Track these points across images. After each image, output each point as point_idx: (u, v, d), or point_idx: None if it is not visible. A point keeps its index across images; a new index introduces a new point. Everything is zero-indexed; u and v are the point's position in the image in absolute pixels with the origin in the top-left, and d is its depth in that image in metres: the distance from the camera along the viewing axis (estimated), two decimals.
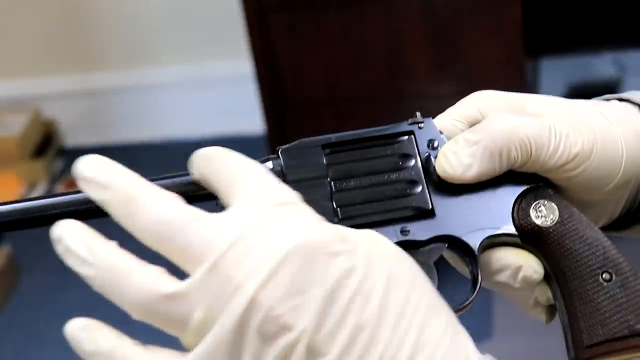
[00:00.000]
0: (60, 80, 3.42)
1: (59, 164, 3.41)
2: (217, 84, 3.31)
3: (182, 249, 0.56)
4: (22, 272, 2.88)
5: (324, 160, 0.68)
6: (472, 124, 0.70)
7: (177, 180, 0.65)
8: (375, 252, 0.58)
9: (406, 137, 0.70)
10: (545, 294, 0.69)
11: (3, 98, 3.41)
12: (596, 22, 2.98)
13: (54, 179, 3.33)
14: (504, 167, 0.67)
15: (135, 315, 0.57)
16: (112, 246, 0.58)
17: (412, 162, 0.69)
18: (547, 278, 0.69)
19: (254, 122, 3.03)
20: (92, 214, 0.62)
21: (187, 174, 0.64)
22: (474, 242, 0.68)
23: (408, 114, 2.26)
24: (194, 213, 0.57)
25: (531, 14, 2.58)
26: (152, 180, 0.62)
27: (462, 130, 0.70)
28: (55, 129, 3.47)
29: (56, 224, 0.58)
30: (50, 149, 3.41)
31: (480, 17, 2.32)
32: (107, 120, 3.46)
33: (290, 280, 0.55)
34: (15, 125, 3.31)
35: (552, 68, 3.11)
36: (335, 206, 0.67)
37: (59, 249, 0.58)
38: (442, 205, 0.68)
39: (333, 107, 2.44)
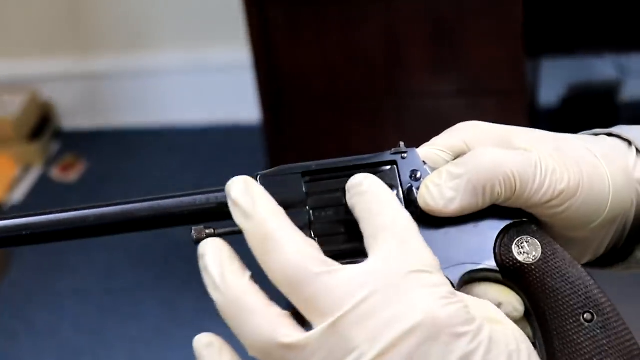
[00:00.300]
0: (58, 62, 3.41)
1: (54, 147, 3.40)
2: (215, 71, 3.30)
3: (308, 299, 0.57)
4: (14, 256, 2.88)
5: (304, 189, 0.67)
6: (457, 155, 0.69)
7: (211, 196, 0.66)
8: (497, 334, 0.58)
9: (388, 167, 0.69)
10: (524, 331, 0.68)
11: (0, 78, 3.40)
12: (597, 24, 2.96)
13: (49, 162, 3.32)
14: (487, 202, 0.66)
15: (251, 352, 0.58)
16: (245, 277, 0.59)
17: (394, 193, 0.68)
18: (527, 314, 0.68)
19: (250, 110, 3.02)
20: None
21: (221, 191, 0.65)
22: (454, 277, 0.67)
23: (406, 112, 2.25)
24: (326, 265, 0.58)
25: (532, 15, 2.56)
26: (182, 195, 0.65)
27: (447, 162, 0.69)
28: (52, 111, 3.46)
29: (204, 241, 0.60)
30: (47, 131, 3.40)
31: (481, 16, 2.31)
32: (104, 103, 3.45)
33: (408, 354, 0.55)
34: (12, 107, 3.29)
35: (552, 69, 3.10)
36: (313, 236, 0.66)
37: (200, 264, 0.60)
38: (423, 238, 0.67)
39: (330, 102, 2.43)
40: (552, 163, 0.66)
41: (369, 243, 0.59)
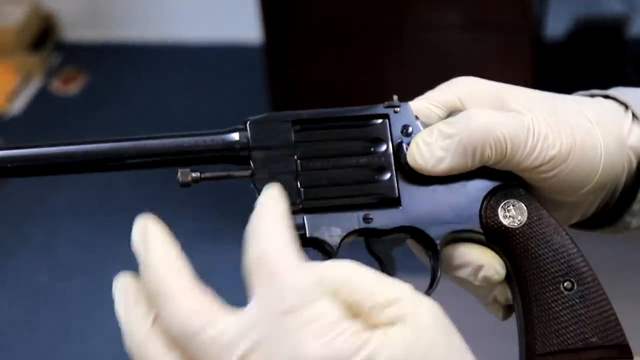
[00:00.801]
0: None
1: (56, 58, 3.38)
2: None
3: (194, 357, 0.54)
4: None
5: (293, 137, 0.66)
6: (451, 111, 0.68)
7: (217, 138, 0.66)
8: (395, 351, 0.52)
9: (380, 121, 0.68)
10: (504, 294, 0.68)
11: None
12: None
13: (50, 74, 3.31)
14: (477, 164, 0.66)
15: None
16: (146, 324, 0.56)
17: (384, 148, 0.67)
18: (508, 278, 0.68)
19: (253, 30, 2.99)
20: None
21: (221, 133, 0.65)
22: (438, 236, 0.67)
23: (409, 46, 2.21)
24: (209, 321, 0.54)
25: None
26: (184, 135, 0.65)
27: (440, 117, 0.68)
28: (54, 22, 3.43)
29: (115, 281, 0.59)
30: (49, 42, 3.38)
31: None
32: (108, 16, 3.42)
33: None
34: (14, 16, 3.27)
35: (559, 2, 3.06)
36: (299, 186, 0.66)
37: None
38: (409, 194, 0.67)
39: (332, 27, 2.41)
40: (544, 128, 0.66)
41: (249, 282, 0.56)
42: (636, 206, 0.71)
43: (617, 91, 0.71)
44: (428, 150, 0.65)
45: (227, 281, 2.48)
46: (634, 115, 0.70)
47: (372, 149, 0.67)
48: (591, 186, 0.68)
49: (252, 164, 0.66)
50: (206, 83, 3.14)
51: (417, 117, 0.68)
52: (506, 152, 0.65)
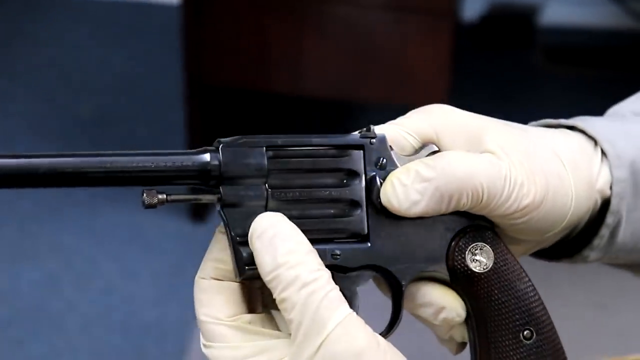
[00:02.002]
0: None
1: None
2: None
3: None
4: None
5: (266, 164, 0.64)
6: (425, 141, 0.67)
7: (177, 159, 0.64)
8: None
9: (354, 152, 0.66)
10: (461, 334, 0.68)
11: None
12: None
13: None
14: (451, 210, 0.65)
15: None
16: None
17: (357, 181, 0.65)
18: (467, 319, 0.67)
19: None
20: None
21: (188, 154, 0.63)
22: (404, 277, 0.65)
23: (329, 18, 2.16)
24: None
25: None
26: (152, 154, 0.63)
27: (414, 148, 0.67)
28: None
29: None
30: None
31: None
32: None
33: None
34: None
35: None
36: None
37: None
38: (378, 231, 0.65)
39: None
40: (520, 175, 0.65)
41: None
42: (596, 241, 0.71)
43: (583, 122, 0.71)
44: (403, 192, 0.64)
45: (131, 242, 2.46)
46: (602, 151, 0.70)
47: (345, 182, 0.66)
48: (556, 231, 0.68)
49: (221, 189, 0.64)
50: (116, 38, 3.07)
51: (391, 147, 0.66)
52: (482, 200, 0.64)
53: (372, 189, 0.65)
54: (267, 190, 0.64)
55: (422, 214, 0.64)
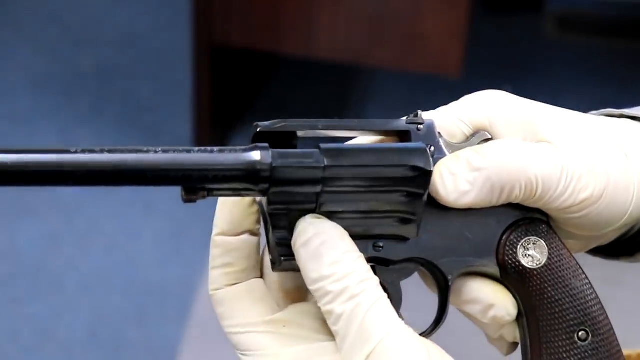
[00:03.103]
0: None
1: None
2: None
3: None
4: None
5: (321, 173, 0.59)
6: (477, 129, 0.63)
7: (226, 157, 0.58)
8: None
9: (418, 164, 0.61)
10: (513, 333, 0.65)
11: None
12: None
13: None
14: (502, 202, 0.61)
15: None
16: None
17: (419, 199, 0.61)
18: (519, 317, 0.64)
19: None
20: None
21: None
22: (450, 271, 0.62)
23: None
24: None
25: None
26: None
27: (465, 136, 0.63)
28: None
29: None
30: None
31: None
32: None
33: None
34: None
35: None
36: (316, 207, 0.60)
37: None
38: (424, 222, 0.61)
39: None
40: (579, 167, 0.61)
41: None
42: None
43: None
44: (452, 181, 0.60)
45: (133, 201, 2.43)
46: None
47: (405, 198, 0.61)
48: (615, 227, 0.64)
49: (270, 189, 0.59)
50: None
51: (440, 134, 0.63)
52: (536, 193, 0.61)
53: None
54: (318, 194, 0.59)
55: (471, 205, 0.61)
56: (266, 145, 0.59)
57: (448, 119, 0.63)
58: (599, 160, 0.62)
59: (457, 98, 0.65)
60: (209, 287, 0.62)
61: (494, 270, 0.63)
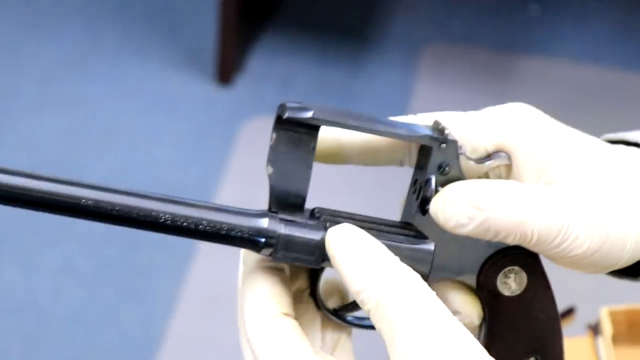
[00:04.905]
0: None
1: None
2: None
3: None
4: None
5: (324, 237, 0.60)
6: (500, 149, 0.63)
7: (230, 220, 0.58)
8: None
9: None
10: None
11: None
12: None
13: None
14: (494, 241, 0.62)
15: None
16: None
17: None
18: (481, 325, 0.65)
19: None
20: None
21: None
22: (432, 280, 0.63)
23: None
24: None
25: None
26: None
27: (487, 152, 0.63)
28: None
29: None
30: None
31: None
32: None
33: None
34: None
35: None
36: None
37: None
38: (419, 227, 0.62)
39: None
40: (579, 227, 0.61)
41: (389, 344, 0.55)
42: None
43: None
44: (452, 212, 0.60)
45: (155, 100, 2.45)
46: None
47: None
48: (604, 271, 0.64)
49: (273, 253, 0.59)
50: None
51: (460, 148, 0.62)
52: (530, 243, 0.61)
53: (425, 192, 0.62)
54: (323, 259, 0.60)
55: (465, 235, 0.61)
56: (275, 215, 0.59)
57: (476, 133, 0.63)
58: (604, 217, 0.62)
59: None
60: (260, 314, 0.60)
61: (471, 283, 0.64)
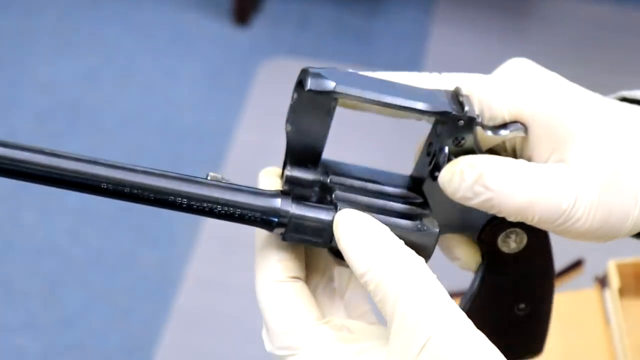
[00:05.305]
0: None
1: None
2: None
3: None
4: None
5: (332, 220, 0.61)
6: (517, 119, 0.64)
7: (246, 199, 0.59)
8: None
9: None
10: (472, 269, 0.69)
11: None
12: None
13: None
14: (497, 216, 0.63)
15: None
16: None
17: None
18: (477, 270, 0.68)
19: None
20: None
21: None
22: (436, 228, 0.63)
23: None
24: None
25: None
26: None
27: (504, 120, 0.63)
28: None
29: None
30: None
31: None
32: None
33: None
34: None
35: None
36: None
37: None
38: (429, 193, 0.64)
39: None
40: (582, 210, 0.61)
41: (388, 317, 0.56)
42: None
43: None
44: (460, 185, 0.61)
45: (172, 41, 2.44)
46: None
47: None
48: (605, 241, 0.65)
49: (284, 233, 0.60)
50: None
51: (478, 120, 0.62)
52: (531, 222, 0.62)
53: (438, 159, 0.63)
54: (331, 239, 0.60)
55: (469, 206, 0.62)
56: (288, 196, 0.60)
57: (495, 101, 0.64)
58: (608, 204, 0.62)
59: None
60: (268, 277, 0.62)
61: (474, 238, 0.66)
